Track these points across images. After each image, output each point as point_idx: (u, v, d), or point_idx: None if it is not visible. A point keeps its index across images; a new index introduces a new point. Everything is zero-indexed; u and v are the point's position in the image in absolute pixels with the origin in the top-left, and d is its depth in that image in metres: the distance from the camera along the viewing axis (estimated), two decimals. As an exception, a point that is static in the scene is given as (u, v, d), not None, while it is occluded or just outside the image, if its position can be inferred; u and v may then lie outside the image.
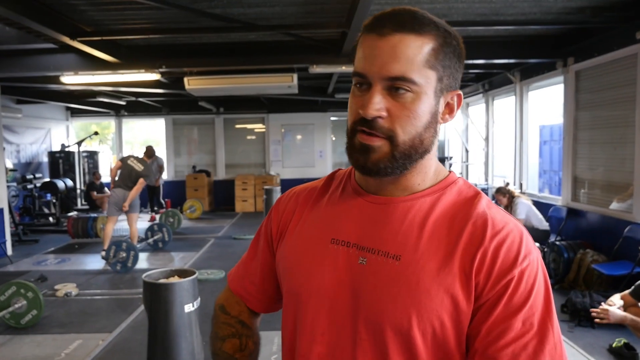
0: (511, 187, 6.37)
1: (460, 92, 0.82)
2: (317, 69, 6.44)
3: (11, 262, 6.87)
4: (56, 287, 5.38)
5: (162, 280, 2.66)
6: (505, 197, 6.07)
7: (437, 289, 0.74)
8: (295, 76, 6.98)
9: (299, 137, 12.50)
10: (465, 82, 9.22)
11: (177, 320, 2.67)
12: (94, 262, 6.85)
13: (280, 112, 12.18)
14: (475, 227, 0.77)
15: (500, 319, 0.72)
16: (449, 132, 11.48)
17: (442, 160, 10.49)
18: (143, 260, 6.69)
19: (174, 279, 2.69)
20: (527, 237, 0.78)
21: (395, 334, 0.76)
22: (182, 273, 2.75)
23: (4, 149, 8.45)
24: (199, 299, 2.74)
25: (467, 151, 9.64)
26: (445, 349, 0.76)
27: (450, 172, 0.88)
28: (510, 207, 6.04)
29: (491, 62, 7.08)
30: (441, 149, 11.14)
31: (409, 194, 0.82)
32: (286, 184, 11.20)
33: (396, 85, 0.75)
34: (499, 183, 8.02)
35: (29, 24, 4.44)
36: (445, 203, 0.81)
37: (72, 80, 6.57)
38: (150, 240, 7.41)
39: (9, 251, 7.35)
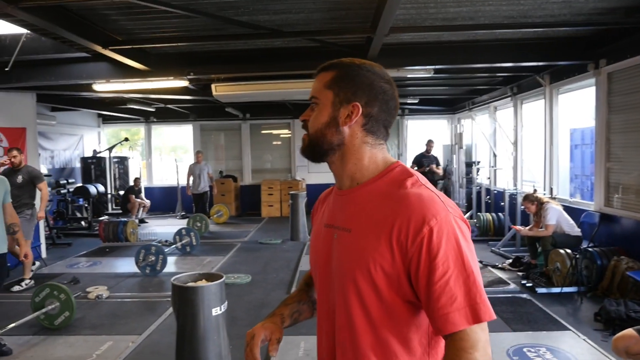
0: (540, 193, 6.23)
1: (356, 103, 1.13)
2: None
3: (45, 264, 7.07)
4: (88, 289, 5.52)
5: (190, 284, 2.70)
6: (533, 205, 5.95)
7: (372, 250, 1.04)
8: (321, 82, 7.01)
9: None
10: (493, 86, 9.09)
11: (204, 323, 2.71)
12: (124, 265, 7.00)
13: (306, 118, 12.23)
14: (397, 202, 1.04)
15: (424, 266, 0.98)
16: (477, 137, 11.32)
17: (469, 164, 10.36)
18: (171, 264, 6.79)
19: (202, 283, 2.73)
20: (437, 203, 1.01)
21: (350, 282, 1.08)
22: (210, 277, 2.79)
23: (39, 155, 8.75)
24: (226, 302, 2.76)
25: (495, 156, 9.48)
26: (378, 291, 1.05)
27: (395, 162, 1.15)
28: (539, 213, 5.91)
29: (519, 65, 6.96)
30: (468, 153, 10.99)
31: (355, 186, 1.15)
32: (312, 190, 11.23)
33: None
34: (528, 188, 7.85)
35: (64, 34, 4.59)
36: (379, 187, 1.11)
37: (103, 87, 6.75)
38: (179, 244, 7.53)
39: (44, 254, 7.58)
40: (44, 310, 4.40)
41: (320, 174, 12.14)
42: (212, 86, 6.99)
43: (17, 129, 7.36)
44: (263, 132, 13.06)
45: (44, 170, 9.40)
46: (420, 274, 0.99)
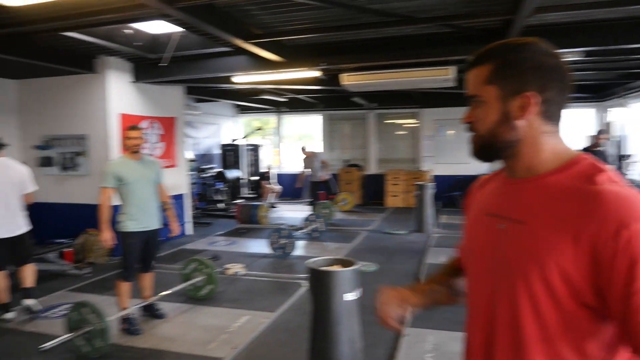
0: None
1: (528, 92, 1.02)
2: (477, 60, 6.12)
3: (191, 241, 7.83)
4: (226, 266, 5.99)
5: (325, 268, 2.78)
6: None
7: (551, 247, 0.94)
8: (452, 69, 6.74)
9: (452, 132, 12.07)
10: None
11: (337, 307, 2.77)
12: (257, 246, 7.48)
13: (433, 107, 11.90)
14: (587, 199, 0.93)
15: (622, 273, 0.87)
16: (630, 127, 10.04)
17: (620, 157, 9.25)
18: (300, 248, 7.09)
19: (336, 268, 2.80)
20: (638, 204, 0.90)
21: (519, 279, 0.99)
22: (344, 262, 2.84)
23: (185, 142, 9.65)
24: (361, 289, 2.80)
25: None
26: (554, 293, 0.95)
27: (579, 154, 1.04)
28: None
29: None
30: (618, 146, 9.81)
31: (533, 176, 1.05)
32: (439, 181, 10.89)
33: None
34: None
35: (211, 30, 4.97)
36: (562, 181, 1.00)
37: (242, 79, 7.21)
38: (307, 230, 7.82)
39: (190, 231, 8.39)
40: (191, 282, 4.88)
41: (449, 165, 11.74)
42: (341, 76, 7.09)
43: (169, 118, 8.20)
44: (389, 121, 12.97)
45: (190, 156, 10.35)
46: (615, 282, 0.89)
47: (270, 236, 6.75)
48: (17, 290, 4.68)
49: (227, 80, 7.73)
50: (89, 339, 3.61)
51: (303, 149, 10.43)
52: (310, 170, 10.44)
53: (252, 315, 4.48)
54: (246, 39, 5.38)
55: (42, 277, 5.85)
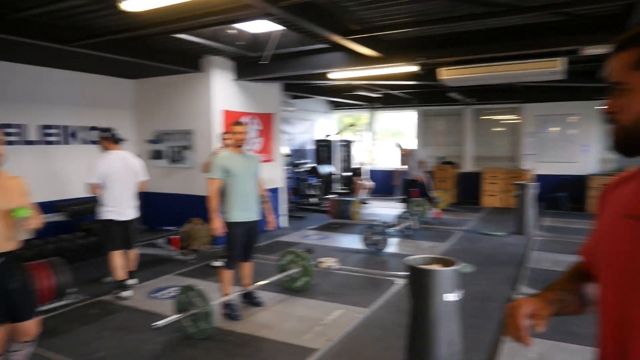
0: None
1: None
2: (590, 51, 5.64)
3: (286, 233, 8.07)
4: (320, 259, 6.08)
5: (425, 267, 2.72)
6: None
7: None
8: (561, 60, 6.27)
9: (557, 129, 11.25)
10: None
11: (436, 307, 2.70)
12: (350, 241, 7.52)
13: (536, 102, 11.16)
14: None
15: None
16: None
17: None
18: (392, 245, 7.01)
19: (436, 267, 2.72)
20: None
21: None
22: (444, 262, 2.76)
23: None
24: (463, 291, 2.70)
25: None
26: None
27: None
28: None
29: None
30: None
31: None
32: (543, 180, 10.22)
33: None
34: None
35: (310, 28, 5.07)
36: None
37: (337, 76, 7.27)
38: (400, 227, 7.72)
39: (285, 224, 8.65)
40: (287, 273, 5.02)
41: (552, 164, 10.98)
42: (439, 70, 6.89)
43: (267, 114, 8.50)
44: (486, 117, 12.40)
45: (285, 151, 10.65)
46: None
47: (363, 232, 6.76)
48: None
49: (322, 76, 7.84)
50: (195, 320, 3.85)
51: (399, 146, 10.27)
52: (406, 167, 10.24)
53: (345, 310, 4.51)
54: (344, 35, 5.41)
55: (152, 261, 6.38)
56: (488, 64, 6.75)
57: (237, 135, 4.27)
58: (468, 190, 12.06)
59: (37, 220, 2.74)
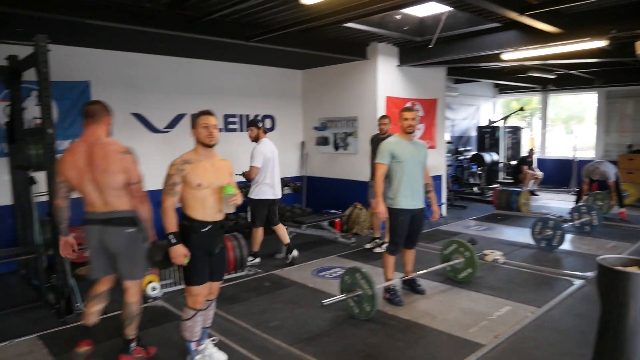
0: None
1: None
2: None
3: (446, 222, 7.85)
4: (484, 251, 5.78)
5: (622, 269, 2.40)
6: None
7: None
8: None
9: None
10: None
11: (635, 315, 2.37)
12: (517, 234, 7.01)
13: None
14: None
15: None
16: None
17: None
18: (567, 242, 6.34)
19: (636, 269, 2.38)
20: None
21: None
22: (646, 264, 2.40)
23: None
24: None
25: None
26: None
27: None
28: None
29: None
30: None
31: None
32: None
33: None
34: None
35: (484, 5, 4.77)
36: None
37: (511, 56, 6.75)
38: (576, 222, 6.96)
39: (444, 213, 8.43)
40: (450, 263, 4.89)
41: None
42: (637, 44, 5.95)
43: (429, 100, 8.30)
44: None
45: (446, 137, 10.33)
46: None
47: (534, 226, 6.23)
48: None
49: (490, 58, 7.36)
50: (359, 302, 3.97)
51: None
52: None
53: (514, 307, 4.22)
54: (520, 11, 4.98)
55: (318, 242, 6.75)
56: None
57: (407, 121, 4.23)
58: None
59: (239, 198, 3.09)
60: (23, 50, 4.42)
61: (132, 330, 3.26)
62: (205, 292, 3.14)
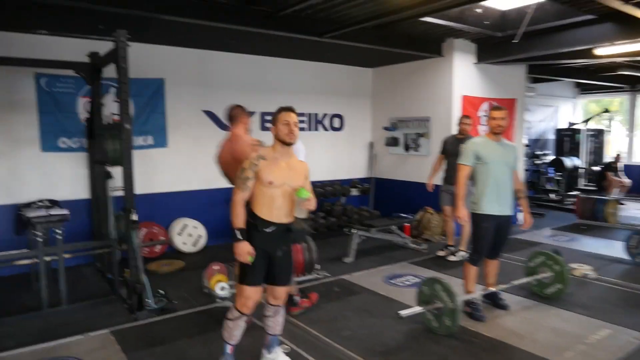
0: None
1: None
2: None
3: (523, 231, 7.30)
4: (572, 265, 5.28)
5: None
6: None
7: None
8: None
9: None
10: None
11: None
12: (606, 247, 6.40)
13: None
14: None
15: None
16: None
17: None
18: (668, 258, 5.69)
19: None
20: None
21: None
22: None
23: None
24: None
25: None
26: None
27: None
28: None
29: None
30: None
31: None
32: None
33: None
34: None
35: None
36: None
37: (605, 52, 6.16)
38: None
39: (520, 219, 7.85)
40: (537, 276, 4.47)
41: None
42: None
43: (508, 99, 7.78)
44: None
45: (524, 140, 9.71)
46: None
47: (629, 239, 5.64)
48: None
49: (577, 54, 6.77)
50: (438, 315, 3.68)
51: None
52: None
53: (614, 330, 3.76)
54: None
55: (387, 246, 6.48)
56: None
57: (495, 120, 3.89)
58: None
59: (313, 202, 2.90)
60: (102, 48, 4.50)
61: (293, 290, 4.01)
62: (256, 297, 2.95)
